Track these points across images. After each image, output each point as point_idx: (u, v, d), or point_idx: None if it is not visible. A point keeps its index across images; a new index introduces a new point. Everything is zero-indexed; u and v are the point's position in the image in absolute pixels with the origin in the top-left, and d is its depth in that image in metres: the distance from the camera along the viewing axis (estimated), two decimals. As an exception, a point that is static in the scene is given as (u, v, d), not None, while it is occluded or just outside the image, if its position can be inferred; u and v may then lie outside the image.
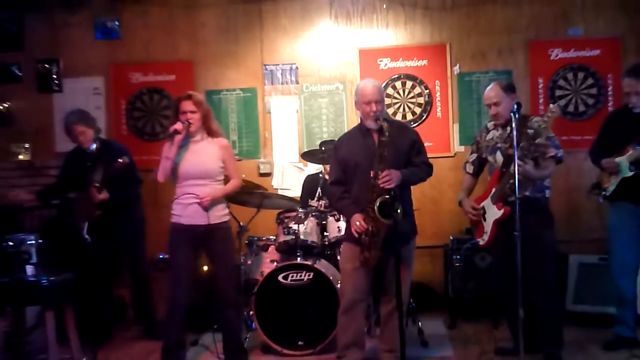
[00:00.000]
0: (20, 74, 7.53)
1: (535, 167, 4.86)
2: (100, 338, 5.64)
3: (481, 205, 5.13)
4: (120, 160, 5.64)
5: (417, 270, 5.67)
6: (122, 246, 6.08)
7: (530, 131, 4.87)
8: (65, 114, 6.20)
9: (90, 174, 5.70)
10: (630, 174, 5.04)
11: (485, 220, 5.11)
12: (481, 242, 5.19)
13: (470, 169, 5.34)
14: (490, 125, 5.21)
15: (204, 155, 4.98)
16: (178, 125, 4.83)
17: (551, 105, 4.78)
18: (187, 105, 4.92)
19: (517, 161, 4.55)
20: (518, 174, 4.56)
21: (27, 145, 7.52)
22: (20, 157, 7.52)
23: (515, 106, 4.62)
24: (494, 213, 5.00)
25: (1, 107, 7.50)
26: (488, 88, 5.13)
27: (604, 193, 5.27)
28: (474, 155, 5.32)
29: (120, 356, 5.73)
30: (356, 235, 4.77)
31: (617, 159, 5.11)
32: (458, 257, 6.28)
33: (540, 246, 4.93)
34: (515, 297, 4.62)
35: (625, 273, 5.27)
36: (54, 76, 7.49)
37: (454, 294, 6.32)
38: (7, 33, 7.51)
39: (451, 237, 6.46)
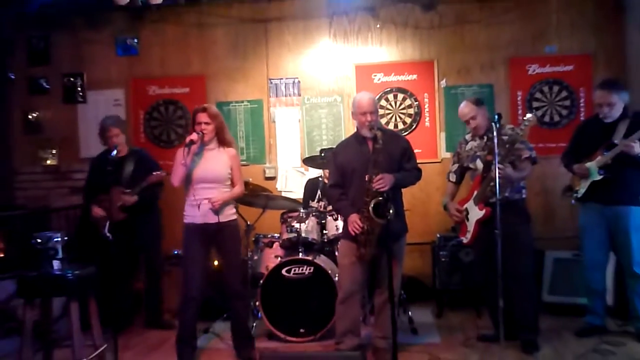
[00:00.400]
0: (47, 86, 7.55)
1: (513, 170, 4.93)
2: (120, 326, 5.65)
3: (464, 207, 5.18)
4: (155, 173, 5.80)
5: (408, 264, 5.69)
6: (140, 244, 6.13)
7: (505, 137, 4.95)
8: (103, 118, 6.20)
9: (115, 178, 5.74)
10: (600, 177, 5.07)
11: (468, 220, 5.16)
12: (465, 240, 5.25)
13: (453, 178, 5.39)
14: (468, 137, 5.27)
15: (215, 162, 5.03)
16: (193, 136, 4.88)
17: (528, 115, 4.84)
18: (202, 117, 4.98)
19: (498, 165, 4.61)
20: (499, 177, 4.62)
21: (53, 151, 7.54)
22: (48, 162, 7.55)
23: (497, 116, 4.69)
24: (476, 213, 5.06)
25: (30, 117, 7.53)
26: (462, 106, 5.20)
27: (575, 195, 5.31)
28: (456, 166, 5.37)
29: (138, 342, 5.76)
30: (353, 233, 4.80)
31: (587, 164, 5.14)
32: (444, 252, 6.29)
33: (518, 242, 4.97)
34: (495, 289, 4.66)
35: (596, 267, 5.31)
36: (79, 89, 7.52)
37: (441, 286, 6.33)
38: (36, 49, 7.54)
39: (438, 235, 6.47)
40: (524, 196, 5.14)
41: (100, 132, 6.05)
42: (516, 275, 4.99)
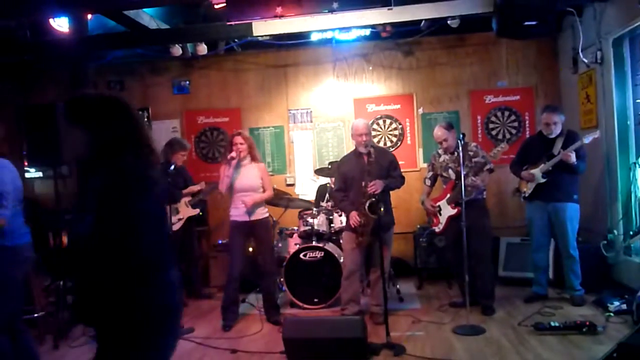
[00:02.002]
0: (122, 118, 7.57)
1: (475, 177, 4.92)
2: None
3: (437, 204, 5.17)
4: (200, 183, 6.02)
5: (395, 248, 5.65)
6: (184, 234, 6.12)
7: (470, 153, 4.96)
8: (172, 139, 6.19)
9: (174, 188, 5.77)
10: (543, 180, 5.06)
11: (440, 215, 5.15)
12: (437, 230, 5.27)
13: (428, 182, 5.37)
14: (440, 151, 5.25)
15: (250, 175, 5.05)
16: (233, 154, 4.93)
17: (502, 144, 4.92)
18: (238, 140, 5.01)
19: (470, 177, 4.80)
20: (470, 187, 4.78)
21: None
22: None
23: (462, 135, 4.70)
24: (448, 211, 5.05)
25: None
26: (435, 129, 5.20)
27: (523, 195, 5.28)
28: (431, 173, 5.35)
29: (192, 310, 5.76)
30: (353, 226, 4.81)
31: (532, 171, 5.12)
32: (423, 239, 6.24)
33: (480, 231, 4.96)
34: (462, 267, 4.66)
35: (540, 249, 5.29)
36: (146, 119, 7.51)
37: (421, 265, 6.29)
38: (113, 90, 7.56)
39: (418, 226, 6.45)
40: (484, 197, 5.14)
41: (170, 148, 5.89)
42: (478, 256, 4.99)
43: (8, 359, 3.36)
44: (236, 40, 6.82)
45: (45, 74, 7.26)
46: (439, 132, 5.13)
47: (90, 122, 1.97)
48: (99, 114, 1.99)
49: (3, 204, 3.32)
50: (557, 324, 4.32)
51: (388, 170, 4.92)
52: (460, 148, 4.62)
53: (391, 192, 5.03)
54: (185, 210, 5.98)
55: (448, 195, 5.07)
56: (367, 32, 6.69)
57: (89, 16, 6.07)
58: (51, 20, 5.93)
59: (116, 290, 1.82)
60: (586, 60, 5.74)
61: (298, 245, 5.68)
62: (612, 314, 4.60)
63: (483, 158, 4.95)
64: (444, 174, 5.17)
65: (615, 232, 5.44)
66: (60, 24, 6.03)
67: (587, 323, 4.25)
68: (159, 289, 1.93)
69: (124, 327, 1.86)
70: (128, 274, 1.83)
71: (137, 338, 1.87)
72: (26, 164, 6.21)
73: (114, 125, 1.98)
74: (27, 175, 6.23)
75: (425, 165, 6.91)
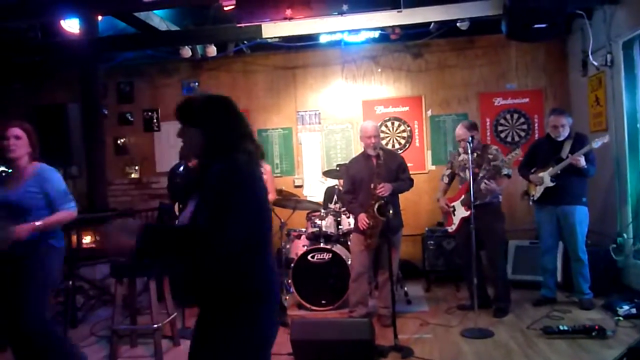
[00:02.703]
0: (132, 119, 7.61)
1: (494, 182, 4.91)
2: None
3: (452, 204, 5.17)
4: None
5: (403, 251, 5.65)
6: None
7: (490, 156, 4.96)
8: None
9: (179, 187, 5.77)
10: (552, 184, 5.03)
11: (454, 215, 5.15)
12: (450, 230, 5.27)
13: (445, 180, 5.36)
14: (460, 150, 5.22)
15: None
16: None
17: (517, 150, 4.89)
18: None
19: (485, 181, 4.80)
20: (485, 190, 4.78)
21: (136, 167, 7.59)
22: (132, 175, 7.60)
23: (470, 138, 4.69)
24: (461, 212, 5.04)
25: (119, 142, 7.60)
26: (457, 128, 5.17)
27: (532, 198, 5.26)
28: (449, 171, 5.35)
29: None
30: (361, 228, 4.80)
31: (541, 174, 5.10)
32: (431, 242, 6.23)
33: (494, 236, 4.97)
34: (471, 269, 4.65)
35: (549, 252, 5.26)
36: (155, 120, 7.57)
37: (429, 267, 6.26)
38: (123, 92, 7.61)
39: (426, 228, 6.41)
40: (500, 200, 5.13)
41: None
42: (491, 260, 5.00)
43: (65, 344, 3.67)
44: (245, 42, 6.84)
45: (55, 75, 7.32)
46: (459, 130, 5.11)
47: (204, 122, 2.14)
48: (211, 114, 2.16)
49: (71, 199, 3.56)
50: (566, 328, 4.30)
51: (397, 172, 4.91)
52: (470, 150, 4.61)
53: (400, 195, 5.02)
54: None
55: (462, 197, 5.06)
56: (376, 34, 6.69)
57: (100, 18, 6.11)
58: (62, 22, 5.97)
59: (224, 273, 2.04)
60: (596, 63, 5.71)
61: (306, 247, 5.67)
62: (621, 318, 4.57)
63: (502, 162, 4.92)
64: (461, 174, 5.17)
65: (625, 235, 5.41)
66: (71, 26, 6.08)
67: (597, 327, 4.22)
68: (259, 272, 2.11)
69: (229, 305, 2.05)
70: (235, 259, 2.03)
71: (239, 316, 2.06)
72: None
73: (226, 124, 2.16)
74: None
75: (433, 167, 6.94)
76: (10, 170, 3.57)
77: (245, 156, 2.11)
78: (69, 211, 3.53)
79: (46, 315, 3.52)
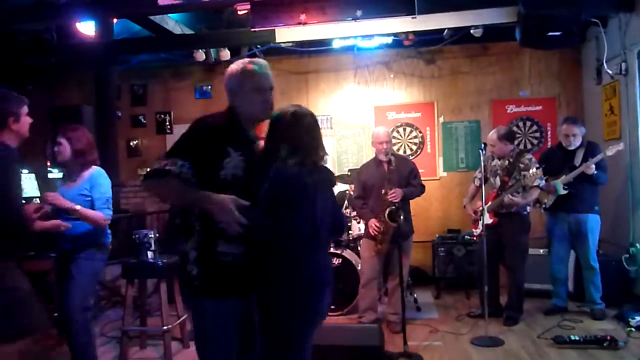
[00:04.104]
0: (145, 121, 7.65)
1: (524, 192, 4.88)
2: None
3: (480, 207, 5.08)
4: None
5: (414, 257, 5.62)
6: None
7: (522, 165, 4.92)
8: None
9: None
10: (564, 192, 5.01)
11: (481, 219, 5.11)
12: (475, 233, 5.25)
13: (477, 182, 5.26)
14: (495, 155, 5.20)
15: None
16: None
17: (539, 170, 4.80)
18: None
19: (509, 195, 4.81)
20: (510, 203, 4.79)
21: (148, 169, 7.61)
22: (144, 177, 7.64)
23: (483, 145, 4.69)
24: (486, 219, 5.00)
25: (132, 144, 7.64)
26: (491, 132, 5.16)
27: (544, 206, 5.24)
28: (481, 174, 5.27)
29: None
30: (372, 233, 4.80)
31: (553, 182, 5.07)
32: (442, 249, 6.23)
33: (517, 246, 4.97)
34: (482, 277, 4.63)
35: (560, 261, 5.23)
36: (167, 123, 7.60)
37: (439, 274, 6.25)
38: (136, 94, 7.65)
39: (437, 235, 6.41)
40: (528, 211, 5.07)
41: None
42: (511, 270, 4.98)
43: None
44: (259, 46, 6.87)
45: (70, 77, 7.39)
46: (492, 136, 5.08)
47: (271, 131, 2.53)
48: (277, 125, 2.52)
49: (109, 207, 3.80)
50: (577, 338, 4.27)
51: (408, 178, 4.91)
52: (482, 159, 4.60)
53: (411, 201, 5.01)
54: None
55: (490, 203, 5.03)
56: (390, 39, 6.68)
57: (115, 20, 6.16)
58: (77, 24, 6.03)
59: (278, 265, 2.42)
60: (610, 72, 5.67)
61: (316, 252, 5.65)
62: (633, 329, 4.54)
63: (528, 176, 4.82)
64: (491, 179, 5.16)
65: (638, 245, 5.35)
66: (87, 28, 6.13)
67: (608, 337, 4.19)
68: (309, 267, 2.48)
69: (283, 293, 2.42)
70: (288, 254, 2.42)
71: (291, 303, 2.43)
72: (49, 164, 6.33)
73: (286, 134, 2.48)
74: (50, 175, 6.32)
75: (445, 174, 6.93)
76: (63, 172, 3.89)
77: (296, 164, 2.43)
78: (103, 215, 3.74)
79: (88, 307, 3.77)
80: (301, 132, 2.51)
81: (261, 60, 2.58)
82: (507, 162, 4.90)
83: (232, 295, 2.41)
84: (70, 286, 3.67)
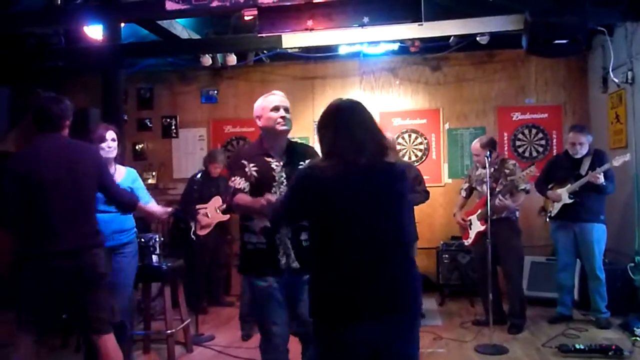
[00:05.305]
0: (151, 125, 7.67)
1: (511, 197, 4.88)
2: (200, 305, 5.67)
3: (469, 218, 5.15)
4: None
5: (418, 264, 5.53)
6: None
7: (507, 170, 4.94)
8: (215, 150, 6.63)
9: (200, 195, 5.81)
10: (570, 201, 5.00)
11: (471, 229, 5.13)
12: (466, 243, 5.28)
13: (463, 194, 5.36)
14: (478, 164, 5.21)
15: None
16: None
17: (532, 167, 4.88)
18: None
19: (499, 197, 4.79)
20: (500, 207, 4.76)
21: (154, 173, 7.64)
22: (149, 180, 7.62)
23: (488, 153, 4.68)
24: (477, 226, 5.03)
25: (138, 147, 7.66)
26: (474, 142, 5.18)
27: (549, 214, 5.23)
28: (467, 185, 5.34)
29: (213, 317, 5.81)
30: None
31: (559, 191, 5.07)
32: (446, 255, 6.23)
33: (510, 251, 4.94)
34: (487, 284, 4.62)
35: (565, 269, 5.22)
36: (173, 127, 7.62)
37: (443, 281, 6.25)
38: (143, 98, 7.69)
39: (441, 242, 6.40)
40: (517, 216, 5.10)
41: (209, 161, 6.16)
42: (507, 276, 4.96)
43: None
44: (265, 51, 6.89)
45: (77, 80, 7.40)
46: (475, 145, 5.12)
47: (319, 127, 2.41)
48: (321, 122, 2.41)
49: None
50: (582, 347, 4.25)
51: (412, 185, 4.90)
52: (487, 165, 4.60)
53: (415, 207, 5.00)
54: (215, 216, 6.01)
55: (479, 211, 5.04)
56: (396, 46, 6.71)
57: (122, 24, 6.18)
58: (85, 28, 6.06)
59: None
60: (616, 80, 5.67)
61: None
62: (638, 339, 4.51)
63: (518, 178, 4.89)
64: (478, 188, 5.17)
65: (644, 254, 5.34)
66: (94, 32, 6.16)
67: (613, 347, 4.17)
68: (324, 272, 2.27)
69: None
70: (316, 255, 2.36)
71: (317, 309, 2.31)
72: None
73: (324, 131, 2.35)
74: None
75: (449, 181, 6.92)
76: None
77: (322, 162, 2.30)
78: (166, 209, 4.14)
79: (129, 306, 4.01)
80: (327, 133, 2.33)
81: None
82: (492, 170, 4.91)
83: (263, 274, 2.94)
84: (122, 282, 3.84)
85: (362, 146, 2.24)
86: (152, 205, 4.02)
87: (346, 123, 2.31)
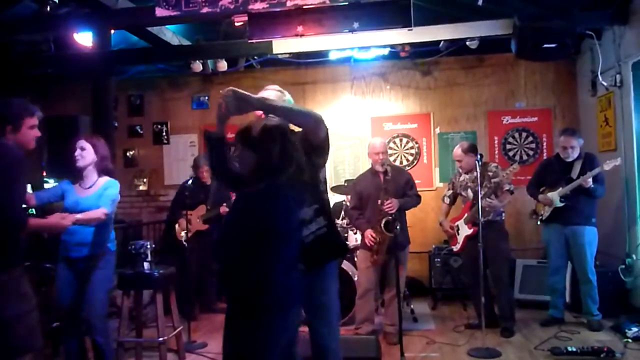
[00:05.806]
0: (142, 131, 7.66)
1: (496, 198, 4.90)
2: (192, 312, 5.65)
3: (456, 224, 5.16)
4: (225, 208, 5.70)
5: (410, 268, 5.63)
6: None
7: (490, 173, 4.94)
8: (198, 155, 6.48)
9: (191, 202, 5.76)
10: (561, 204, 5.02)
11: (458, 234, 5.13)
12: (455, 249, 5.26)
13: (447, 200, 5.37)
14: (461, 170, 5.24)
15: None
16: None
17: (514, 165, 4.92)
18: None
19: (486, 199, 4.79)
20: (487, 207, 4.76)
21: (145, 180, 7.62)
22: (140, 187, 7.62)
23: (479, 156, 4.69)
24: (465, 230, 5.03)
25: (128, 154, 7.64)
26: (456, 147, 5.20)
27: (540, 218, 5.24)
28: (450, 191, 5.34)
29: (205, 324, 5.77)
30: (368, 244, 4.79)
31: (550, 194, 5.08)
32: (438, 259, 6.23)
33: (498, 254, 4.94)
34: (479, 289, 4.62)
35: (557, 272, 5.23)
36: (164, 133, 7.61)
37: (436, 285, 6.24)
38: (133, 104, 7.67)
39: (433, 246, 6.41)
40: (503, 218, 5.11)
41: (194, 166, 6.11)
42: (497, 278, 4.97)
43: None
44: (256, 57, 6.89)
45: (67, 87, 7.38)
46: (457, 151, 5.14)
47: (257, 146, 2.39)
48: (263, 140, 2.39)
49: (112, 206, 3.93)
50: (574, 349, 4.26)
51: (404, 189, 4.91)
52: (478, 169, 4.61)
53: (407, 211, 5.02)
54: (195, 225, 5.95)
55: (466, 215, 5.05)
56: (386, 51, 6.73)
57: (112, 31, 6.17)
58: (75, 35, 6.04)
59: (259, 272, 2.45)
60: (605, 83, 5.71)
61: (313, 262, 5.63)
62: (630, 340, 4.53)
63: (502, 179, 4.93)
64: (463, 194, 5.17)
65: (634, 256, 5.36)
66: (84, 39, 6.14)
67: (605, 349, 4.18)
68: (283, 273, 2.43)
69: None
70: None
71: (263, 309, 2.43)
72: (45, 174, 6.30)
73: (274, 150, 2.36)
74: (45, 185, 6.28)
75: (441, 185, 6.93)
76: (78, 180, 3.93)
77: (283, 181, 2.36)
78: (104, 209, 3.77)
79: (106, 314, 3.98)
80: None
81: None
82: (474, 175, 4.93)
83: None
84: (89, 294, 3.79)
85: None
86: (55, 215, 3.38)
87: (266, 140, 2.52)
